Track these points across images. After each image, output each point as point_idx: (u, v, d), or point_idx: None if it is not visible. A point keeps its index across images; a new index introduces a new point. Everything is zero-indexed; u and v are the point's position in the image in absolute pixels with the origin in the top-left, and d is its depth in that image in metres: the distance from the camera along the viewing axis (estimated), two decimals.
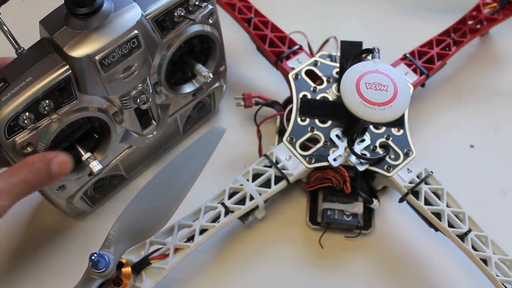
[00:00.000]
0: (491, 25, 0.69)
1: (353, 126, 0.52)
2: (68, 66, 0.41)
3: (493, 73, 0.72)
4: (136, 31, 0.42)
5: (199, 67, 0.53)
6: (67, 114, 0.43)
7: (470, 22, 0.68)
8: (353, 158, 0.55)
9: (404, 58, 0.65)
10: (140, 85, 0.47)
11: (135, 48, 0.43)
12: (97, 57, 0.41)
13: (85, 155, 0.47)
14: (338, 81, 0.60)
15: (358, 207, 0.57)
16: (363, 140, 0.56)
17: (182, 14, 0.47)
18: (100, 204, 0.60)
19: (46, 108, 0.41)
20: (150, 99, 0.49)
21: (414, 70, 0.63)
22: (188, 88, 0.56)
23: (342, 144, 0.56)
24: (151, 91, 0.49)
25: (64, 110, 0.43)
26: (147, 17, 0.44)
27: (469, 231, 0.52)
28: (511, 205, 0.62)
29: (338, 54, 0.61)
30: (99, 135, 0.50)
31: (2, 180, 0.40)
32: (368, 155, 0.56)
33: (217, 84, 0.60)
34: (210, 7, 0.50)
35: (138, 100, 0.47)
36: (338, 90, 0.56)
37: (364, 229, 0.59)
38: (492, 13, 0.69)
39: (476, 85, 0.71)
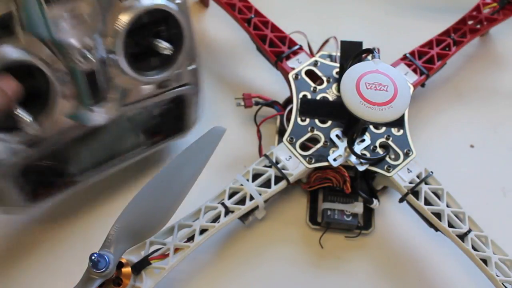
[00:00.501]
0: (491, 25, 0.69)
1: (353, 126, 0.52)
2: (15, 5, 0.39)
3: (493, 73, 0.72)
4: None
5: (158, 41, 0.48)
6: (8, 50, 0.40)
7: (470, 22, 0.68)
8: (353, 158, 0.55)
9: (404, 58, 0.65)
10: (88, 40, 0.44)
11: None
12: None
13: (18, 109, 0.41)
14: (338, 81, 0.60)
15: (358, 207, 0.57)
16: (363, 140, 0.56)
17: None
18: (43, 202, 0.53)
19: None
20: (96, 60, 0.44)
21: (414, 70, 0.63)
22: (151, 74, 0.50)
23: (342, 144, 0.56)
24: (100, 52, 0.45)
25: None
26: None
27: (469, 231, 0.52)
28: (511, 205, 0.62)
29: (338, 54, 0.61)
30: (41, 98, 0.44)
31: None
32: (368, 155, 0.56)
33: (188, 87, 0.53)
34: None
35: (81, 53, 0.43)
36: (338, 90, 0.56)
37: (364, 229, 0.59)
38: (492, 13, 0.69)
39: (476, 85, 0.71)
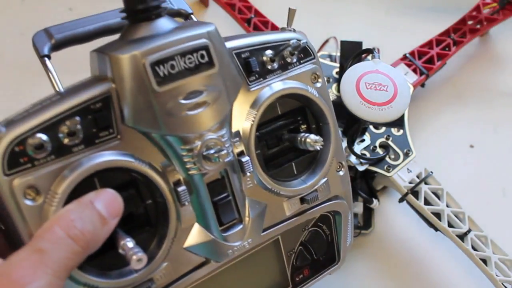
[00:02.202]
0: (491, 25, 0.69)
1: (353, 126, 0.52)
2: (111, 83, 0.29)
3: (493, 73, 0.72)
4: (205, 40, 0.30)
5: (302, 134, 0.37)
6: (102, 156, 0.29)
7: (470, 22, 0.69)
8: (353, 158, 0.55)
9: (404, 58, 0.65)
10: (212, 134, 0.32)
11: (205, 64, 0.30)
12: (148, 58, 0.29)
13: (125, 240, 0.29)
14: (338, 81, 0.60)
15: (358, 207, 0.57)
16: (363, 140, 0.56)
17: (271, 57, 0.35)
18: None
19: (69, 137, 0.28)
20: (230, 156, 0.33)
21: (414, 70, 0.63)
22: (293, 182, 0.38)
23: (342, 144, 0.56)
24: (231, 155, 0.33)
25: (98, 149, 0.29)
26: (228, 47, 0.33)
27: (469, 231, 0.52)
28: (510, 205, 0.62)
29: (338, 54, 0.61)
30: (151, 225, 0.32)
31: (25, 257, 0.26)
32: (368, 155, 0.56)
33: (334, 201, 0.40)
34: (312, 66, 0.38)
35: (208, 152, 0.31)
36: (338, 90, 0.56)
37: (364, 229, 0.59)
38: (492, 13, 0.69)
39: (476, 85, 0.71)
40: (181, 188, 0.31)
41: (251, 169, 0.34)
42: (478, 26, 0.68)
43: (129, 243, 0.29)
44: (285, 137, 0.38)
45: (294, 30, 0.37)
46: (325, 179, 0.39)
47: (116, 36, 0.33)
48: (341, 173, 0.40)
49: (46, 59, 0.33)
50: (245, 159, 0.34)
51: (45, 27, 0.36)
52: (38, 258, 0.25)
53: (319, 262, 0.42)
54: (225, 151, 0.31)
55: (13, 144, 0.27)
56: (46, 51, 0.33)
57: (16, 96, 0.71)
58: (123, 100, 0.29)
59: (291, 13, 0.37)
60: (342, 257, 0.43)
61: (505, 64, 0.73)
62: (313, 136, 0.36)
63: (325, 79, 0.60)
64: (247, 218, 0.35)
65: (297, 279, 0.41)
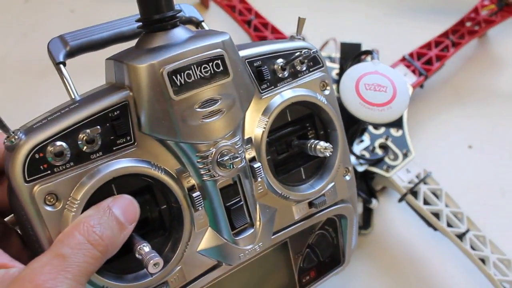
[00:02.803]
0: (489, 26, 0.70)
1: (352, 127, 0.53)
2: (128, 91, 0.30)
3: (491, 74, 0.73)
4: (220, 50, 0.31)
5: (312, 141, 0.37)
6: (120, 163, 0.30)
7: (468, 24, 0.69)
8: (352, 159, 0.55)
9: (403, 59, 0.65)
10: (226, 141, 0.32)
11: (220, 73, 0.31)
12: (166, 68, 0.29)
13: (141, 244, 0.30)
14: (337, 82, 0.61)
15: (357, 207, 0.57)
16: (362, 141, 0.57)
17: (282, 65, 0.36)
18: None
19: (88, 144, 0.29)
20: (243, 163, 0.33)
21: (413, 71, 0.64)
22: (302, 187, 0.38)
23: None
24: (243, 161, 0.33)
25: (116, 156, 0.30)
26: (241, 55, 0.34)
27: (468, 230, 0.53)
28: (509, 205, 0.62)
29: (338, 55, 0.62)
30: (165, 229, 0.33)
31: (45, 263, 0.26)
32: (367, 155, 0.56)
33: (340, 205, 0.41)
34: (321, 74, 0.38)
35: (222, 159, 0.32)
36: (338, 91, 0.56)
37: (363, 229, 0.59)
38: (490, 15, 0.70)
39: (474, 86, 0.72)
40: (196, 194, 0.32)
41: (262, 175, 0.35)
42: (477, 28, 0.69)
43: (146, 247, 0.29)
44: (294, 143, 0.38)
45: (304, 39, 0.38)
46: (333, 183, 0.39)
47: (130, 43, 0.33)
48: (347, 177, 0.40)
49: (62, 66, 0.33)
50: (257, 165, 0.34)
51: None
52: (59, 263, 0.26)
53: (325, 264, 0.42)
54: (239, 158, 0.32)
55: (33, 151, 0.27)
56: (61, 58, 0.34)
57: (18, 96, 0.71)
58: (140, 108, 0.30)
59: (301, 22, 0.37)
60: (347, 259, 0.43)
61: (503, 65, 0.73)
62: (322, 143, 0.36)
63: None
64: (258, 222, 0.35)
65: (303, 280, 0.41)
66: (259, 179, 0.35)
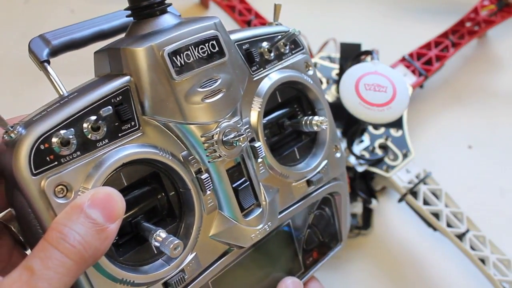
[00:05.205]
0: (488, 27, 0.70)
1: (352, 127, 0.53)
2: (128, 76, 0.30)
3: (491, 74, 0.73)
4: (214, 31, 0.32)
5: (307, 117, 0.39)
6: (127, 149, 0.30)
7: (468, 24, 0.69)
8: (352, 159, 0.55)
9: (403, 59, 0.65)
10: (228, 121, 0.33)
11: (216, 53, 0.32)
12: (166, 49, 0.30)
13: (157, 231, 0.30)
14: (337, 82, 0.61)
15: (357, 207, 0.57)
16: (362, 141, 0.57)
17: (268, 48, 0.37)
18: None
19: (94, 132, 0.28)
20: (246, 142, 0.34)
21: (413, 72, 0.64)
22: (300, 166, 0.40)
23: (341, 145, 0.56)
24: (248, 139, 0.35)
25: (122, 143, 0.30)
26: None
27: (467, 231, 0.53)
28: (508, 205, 0.62)
29: (338, 55, 0.62)
30: (174, 217, 0.33)
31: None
32: (367, 155, 0.56)
33: (334, 182, 0.42)
34: (303, 55, 0.40)
35: (228, 138, 0.33)
36: (338, 91, 0.56)
37: (363, 229, 0.59)
38: (490, 15, 0.70)
39: (474, 86, 0.72)
40: (204, 176, 0.32)
41: (263, 154, 0.36)
42: (476, 28, 0.69)
43: (162, 233, 0.29)
44: (287, 123, 0.39)
45: (281, 24, 0.40)
46: (326, 161, 0.41)
47: (111, 41, 0.34)
48: (338, 155, 0.42)
49: (46, 64, 0.33)
50: (257, 144, 0.35)
51: (47, 29, 0.36)
52: (27, 278, 0.24)
53: (325, 244, 0.43)
54: (244, 135, 0.33)
55: (38, 142, 0.27)
56: (45, 56, 0.34)
57: (17, 96, 0.71)
58: (142, 91, 0.30)
59: (277, 8, 0.40)
60: (344, 238, 0.45)
61: (502, 65, 0.73)
62: (317, 117, 0.38)
63: (325, 80, 0.61)
64: (264, 202, 0.36)
65: (307, 262, 0.42)
66: (260, 159, 0.36)
